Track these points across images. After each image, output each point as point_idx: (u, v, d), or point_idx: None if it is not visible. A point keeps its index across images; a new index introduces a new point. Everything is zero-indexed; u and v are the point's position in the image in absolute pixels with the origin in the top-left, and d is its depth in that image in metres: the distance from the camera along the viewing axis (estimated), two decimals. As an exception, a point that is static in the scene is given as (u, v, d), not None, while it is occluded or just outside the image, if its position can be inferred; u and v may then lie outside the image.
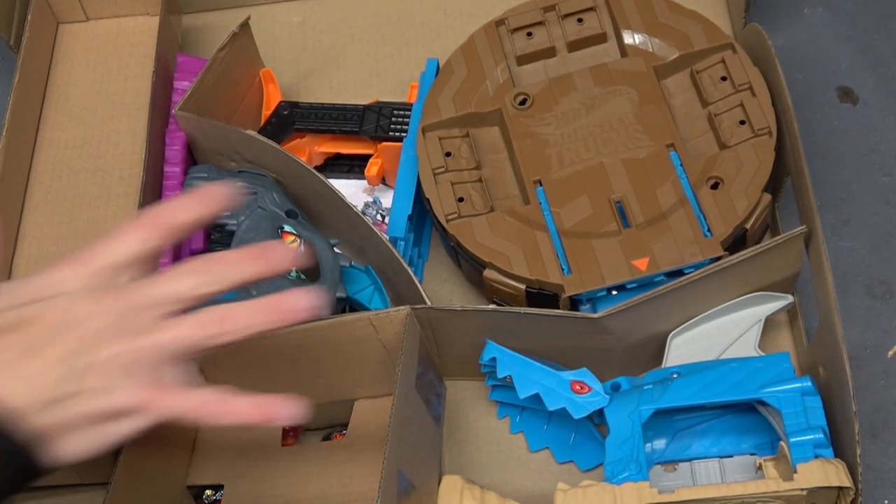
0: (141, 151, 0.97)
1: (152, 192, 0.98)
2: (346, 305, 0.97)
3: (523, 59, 1.03)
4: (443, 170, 0.97)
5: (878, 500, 0.92)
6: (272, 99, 1.10)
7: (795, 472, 0.77)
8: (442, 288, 1.03)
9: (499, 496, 0.85)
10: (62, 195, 1.03)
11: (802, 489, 0.77)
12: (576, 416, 0.85)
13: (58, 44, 1.13)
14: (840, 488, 0.78)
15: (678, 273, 0.88)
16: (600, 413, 0.87)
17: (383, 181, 1.07)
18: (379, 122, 1.04)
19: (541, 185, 0.95)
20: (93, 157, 1.05)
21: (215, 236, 1.01)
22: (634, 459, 0.82)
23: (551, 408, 0.85)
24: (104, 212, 1.01)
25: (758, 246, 0.86)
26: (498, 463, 0.95)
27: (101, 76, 1.10)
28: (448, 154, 0.98)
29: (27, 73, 1.06)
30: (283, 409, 0.66)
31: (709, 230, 0.90)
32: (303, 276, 0.94)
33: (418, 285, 0.89)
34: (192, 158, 1.04)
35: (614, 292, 0.90)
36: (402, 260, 0.91)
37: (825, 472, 0.77)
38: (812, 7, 1.16)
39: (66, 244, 1.00)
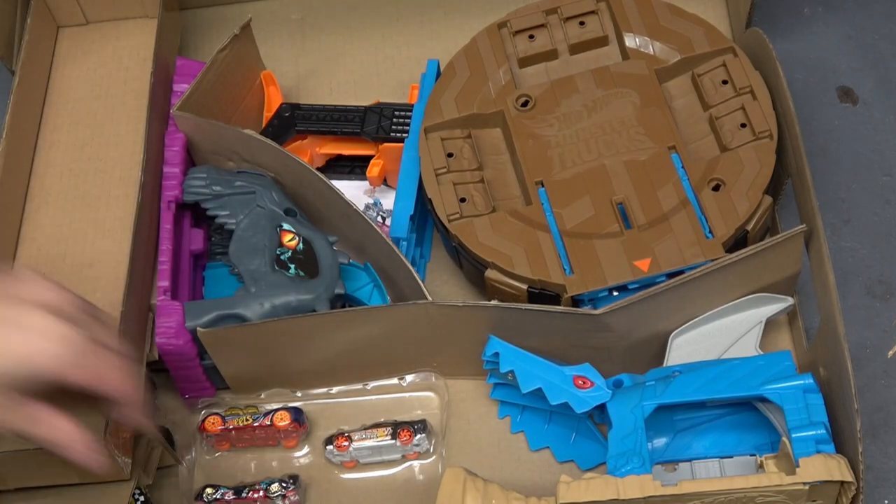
0: (140, 153, 0.97)
1: (151, 192, 0.98)
2: (345, 303, 0.97)
3: (525, 62, 1.03)
4: (445, 170, 0.97)
5: (878, 500, 0.92)
6: (273, 101, 1.10)
7: (798, 466, 0.78)
8: (443, 289, 1.03)
9: (501, 488, 0.84)
10: (62, 197, 1.03)
11: (805, 483, 0.77)
12: (578, 411, 0.85)
13: (58, 47, 1.13)
14: (842, 483, 0.78)
15: (680, 274, 0.88)
16: (601, 412, 0.87)
17: (385, 182, 1.07)
18: (380, 123, 1.04)
19: (543, 185, 0.95)
20: (93, 158, 1.04)
21: (215, 238, 1.01)
22: (637, 453, 0.82)
23: (554, 402, 0.85)
24: (104, 213, 1.01)
25: (758, 244, 0.86)
26: (498, 462, 0.95)
27: (101, 78, 1.09)
28: (450, 155, 0.98)
29: (27, 76, 1.06)
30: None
31: (710, 231, 0.90)
32: (302, 274, 0.94)
33: (419, 282, 0.89)
34: (191, 159, 1.04)
35: (616, 293, 0.90)
36: (402, 256, 0.91)
37: (827, 467, 0.77)
38: (812, 7, 1.17)
39: (67, 246, 1.00)
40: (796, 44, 1.14)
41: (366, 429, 0.95)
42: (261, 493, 0.92)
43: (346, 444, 0.94)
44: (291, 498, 0.93)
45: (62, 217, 1.02)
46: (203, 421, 0.96)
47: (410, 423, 0.94)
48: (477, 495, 0.83)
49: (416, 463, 0.96)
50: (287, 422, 0.94)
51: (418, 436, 0.93)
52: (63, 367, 0.71)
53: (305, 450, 0.97)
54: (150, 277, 0.98)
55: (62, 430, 0.74)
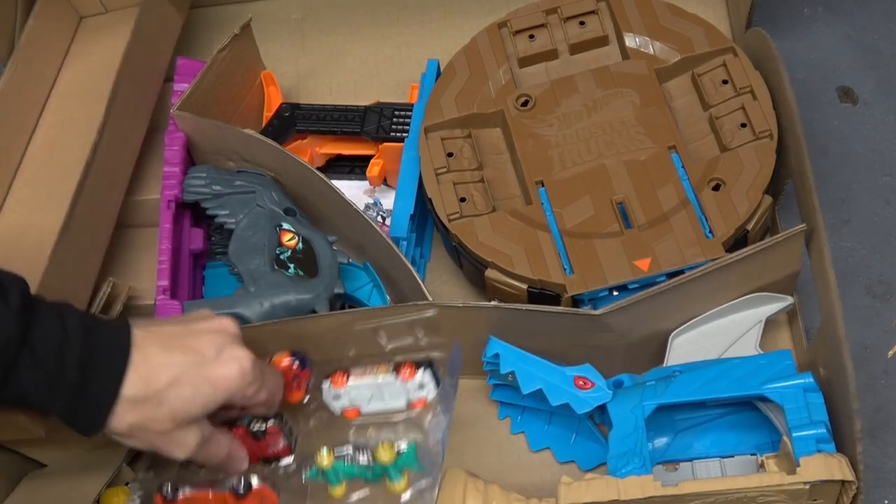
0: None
1: (109, 155, 0.98)
2: (345, 303, 0.97)
3: (525, 61, 1.03)
4: (445, 170, 0.97)
5: (877, 500, 0.92)
6: (273, 101, 1.10)
7: (798, 465, 0.78)
8: (443, 289, 1.03)
9: (501, 489, 0.84)
10: (51, 171, 1.02)
11: (805, 482, 0.77)
12: (579, 412, 0.85)
13: (78, 35, 1.12)
14: (843, 483, 0.78)
15: (679, 274, 0.88)
16: (601, 412, 0.87)
17: (385, 182, 1.07)
18: (380, 122, 1.04)
19: (543, 185, 0.95)
20: (88, 137, 1.04)
21: (215, 238, 1.01)
22: (638, 453, 0.82)
23: (555, 403, 0.85)
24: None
25: (758, 244, 0.86)
26: (499, 463, 0.95)
27: (109, 64, 1.09)
28: (450, 154, 0.98)
29: (25, 60, 1.05)
30: None
31: (710, 231, 0.90)
32: (301, 273, 0.94)
33: (419, 282, 0.89)
34: (191, 159, 1.04)
35: (616, 293, 0.90)
36: (402, 256, 0.91)
37: (828, 466, 0.77)
38: (812, 7, 1.17)
39: (49, 216, 0.98)
40: (796, 44, 1.14)
41: (366, 366, 0.89)
42: (242, 429, 0.86)
43: (343, 379, 0.88)
44: (280, 440, 0.87)
45: (45, 188, 1.00)
46: None
47: (414, 361, 0.88)
48: (478, 496, 0.83)
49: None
50: (286, 362, 0.88)
51: (421, 370, 0.86)
52: (247, 385, 0.79)
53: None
54: (99, 247, 0.98)
55: (235, 448, 0.84)
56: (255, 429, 0.85)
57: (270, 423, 0.85)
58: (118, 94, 1.00)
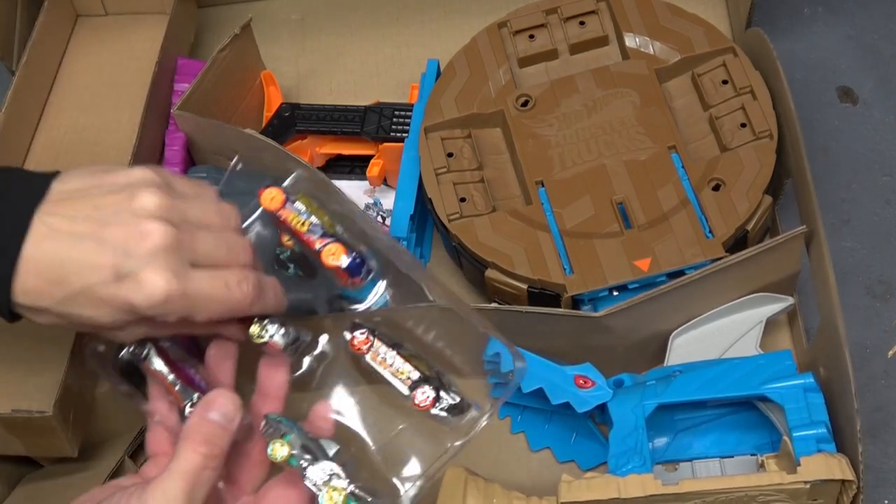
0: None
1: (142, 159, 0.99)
2: (344, 304, 0.97)
3: (525, 61, 1.03)
4: (445, 170, 0.97)
5: (878, 500, 0.92)
6: (273, 101, 1.10)
7: (799, 465, 0.78)
8: (443, 289, 1.03)
9: (502, 487, 0.84)
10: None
11: (805, 482, 0.77)
12: (580, 410, 0.85)
13: (74, 35, 1.13)
14: (843, 482, 0.78)
15: (680, 274, 0.88)
16: (601, 412, 0.87)
17: (385, 182, 1.07)
18: (380, 122, 1.04)
19: (543, 185, 0.95)
20: (90, 143, 1.04)
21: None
22: (638, 452, 0.82)
23: (555, 402, 0.85)
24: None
25: (758, 245, 0.86)
26: (499, 463, 0.95)
27: (112, 68, 1.10)
28: (450, 154, 0.98)
29: (35, 58, 1.06)
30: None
31: (710, 231, 0.90)
32: (301, 273, 0.93)
33: (420, 282, 0.89)
34: (191, 159, 1.04)
35: (616, 293, 0.90)
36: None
37: (828, 466, 0.77)
38: (812, 7, 1.17)
39: None
40: (796, 44, 1.14)
41: (399, 349, 0.76)
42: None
43: (363, 347, 0.76)
44: (279, 356, 0.76)
45: None
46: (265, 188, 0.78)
47: (444, 386, 0.75)
48: (478, 495, 0.83)
49: None
50: (337, 262, 0.76)
51: (439, 409, 0.75)
52: (161, 315, 0.67)
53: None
54: None
55: (220, 329, 0.74)
56: (252, 331, 0.75)
57: (275, 338, 0.75)
58: (151, 103, 1.02)
